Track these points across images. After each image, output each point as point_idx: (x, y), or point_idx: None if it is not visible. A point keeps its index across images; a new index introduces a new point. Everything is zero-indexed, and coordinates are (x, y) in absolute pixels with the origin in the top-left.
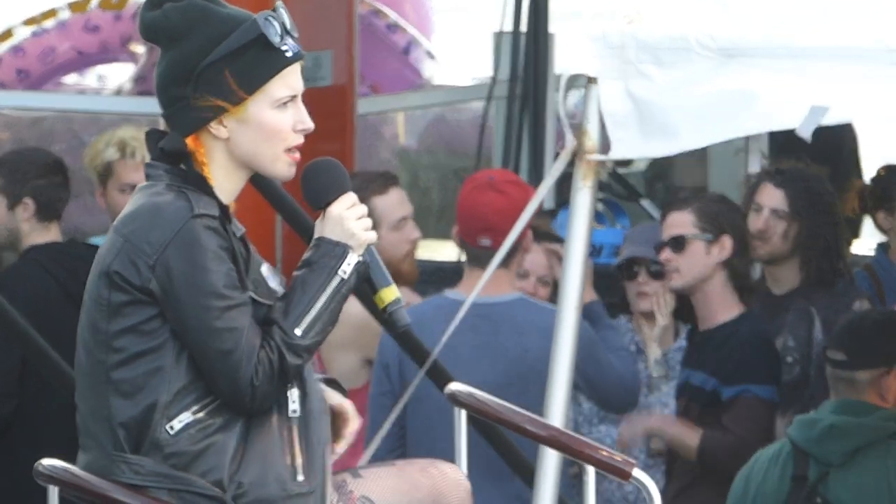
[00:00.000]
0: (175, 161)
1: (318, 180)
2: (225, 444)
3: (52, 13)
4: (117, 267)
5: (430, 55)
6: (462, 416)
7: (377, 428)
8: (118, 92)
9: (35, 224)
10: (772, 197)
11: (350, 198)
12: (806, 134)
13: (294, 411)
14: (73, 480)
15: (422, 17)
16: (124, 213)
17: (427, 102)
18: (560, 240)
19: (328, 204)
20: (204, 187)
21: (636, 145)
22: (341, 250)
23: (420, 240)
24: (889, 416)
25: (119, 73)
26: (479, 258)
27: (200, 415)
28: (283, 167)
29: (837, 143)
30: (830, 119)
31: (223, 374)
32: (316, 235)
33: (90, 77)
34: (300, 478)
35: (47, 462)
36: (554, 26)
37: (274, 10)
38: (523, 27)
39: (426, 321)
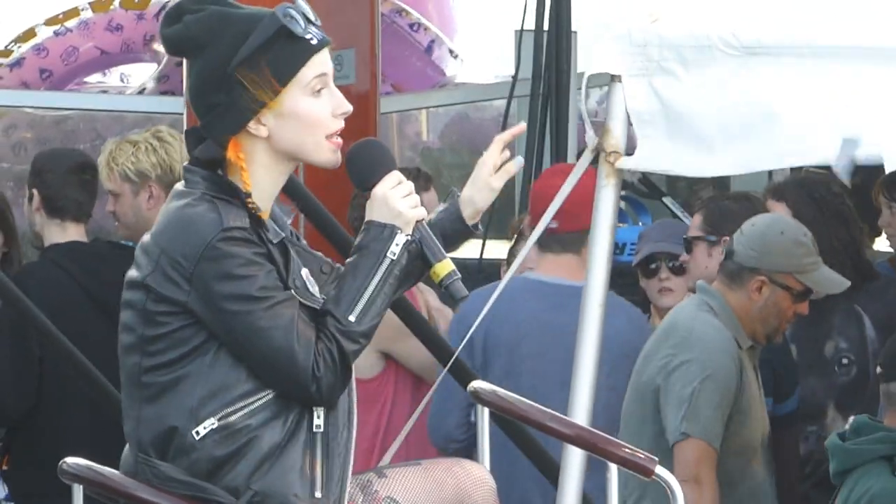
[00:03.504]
0: (213, 167)
1: (361, 162)
2: (253, 453)
3: (74, 12)
4: (153, 282)
5: (453, 53)
6: (485, 414)
7: (450, 401)
8: (141, 91)
9: (46, 219)
10: (775, 211)
11: (395, 177)
12: (844, 175)
13: (318, 426)
14: (97, 479)
15: (444, 16)
16: (160, 221)
17: (450, 101)
18: None
19: (373, 185)
20: (237, 196)
21: (663, 147)
22: (389, 231)
23: None
24: (884, 438)
25: (142, 73)
26: (545, 241)
27: (229, 420)
28: (327, 154)
29: None
30: (863, 155)
31: (281, 371)
32: (366, 218)
33: (113, 76)
34: (318, 494)
35: (72, 460)
36: (577, 24)
37: (293, 1)
38: (546, 25)
39: (514, 298)
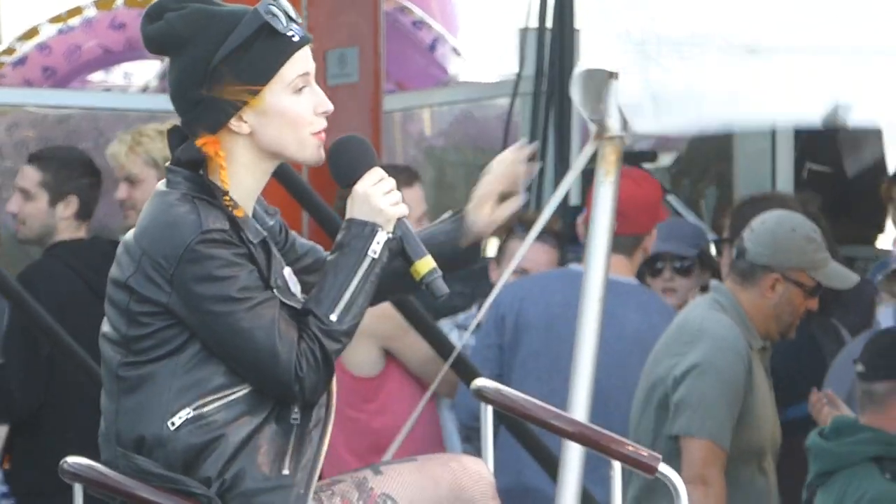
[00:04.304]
0: (195, 167)
1: (342, 158)
2: (228, 443)
3: (78, 11)
4: (134, 283)
5: (456, 52)
6: (488, 412)
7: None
8: (144, 89)
9: (71, 222)
10: None
11: (376, 173)
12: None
13: (294, 419)
14: (97, 478)
15: (447, 14)
16: (142, 221)
17: (453, 99)
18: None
19: (355, 182)
20: (217, 197)
21: (653, 123)
22: (370, 230)
23: None
24: (872, 440)
25: (145, 71)
26: None
27: (203, 410)
28: (310, 152)
29: (861, 141)
30: (855, 119)
31: (264, 371)
32: (347, 216)
33: (116, 74)
34: (285, 471)
35: (72, 460)
36: (580, 22)
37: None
38: (549, 23)
39: (551, 284)
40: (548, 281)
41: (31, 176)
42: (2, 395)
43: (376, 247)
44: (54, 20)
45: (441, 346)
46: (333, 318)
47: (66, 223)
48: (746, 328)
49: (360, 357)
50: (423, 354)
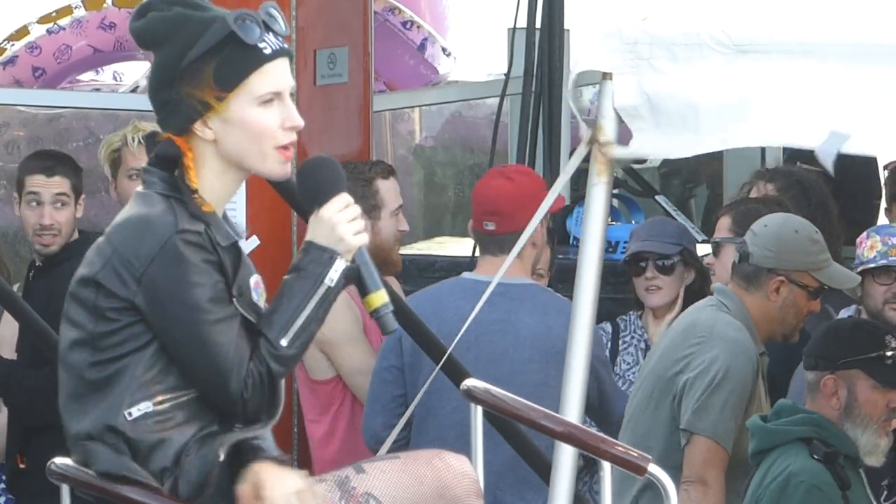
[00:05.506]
0: (171, 167)
1: (311, 179)
2: (176, 441)
3: (67, 11)
4: (103, 278)
5: (446, 52)
6: (478, 412)
7: (378, 402)
8: (134, 89)
9: (77, 222)
10: (762, 190)
11: (343, 199)
12: (828, 161)
13: (238, 427)
14: (84, 479)
15: (437, 14)
16: (117, 220)
17: (443, 99)
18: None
19: (321, 204)
20: (186, 194)
21: (653, 138)
22: (328, 256)
23: (405, 233)
24: (805, 420)
25: (135, 71)
26: (483, 242)
27: (161, 407)
28: (273, 165)
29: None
30: (850, 148)
31: (213, 386)
32: (307, 237)
33: (106, 74)
34: (221, 455)
35: (59, 461)
36: (569, 22)
37: (263, 8)
38: (538, 23)
39: (443, 297)
40: (440, 294)
41: (61, 184)
42: (17, 393)
43: (334, 274)
44: (44, 20)
45: (430, 347)
46: (284, 342)
47: (76, 223)
48: (751, 332)
49: (311, 361)
50: (353, 366)
